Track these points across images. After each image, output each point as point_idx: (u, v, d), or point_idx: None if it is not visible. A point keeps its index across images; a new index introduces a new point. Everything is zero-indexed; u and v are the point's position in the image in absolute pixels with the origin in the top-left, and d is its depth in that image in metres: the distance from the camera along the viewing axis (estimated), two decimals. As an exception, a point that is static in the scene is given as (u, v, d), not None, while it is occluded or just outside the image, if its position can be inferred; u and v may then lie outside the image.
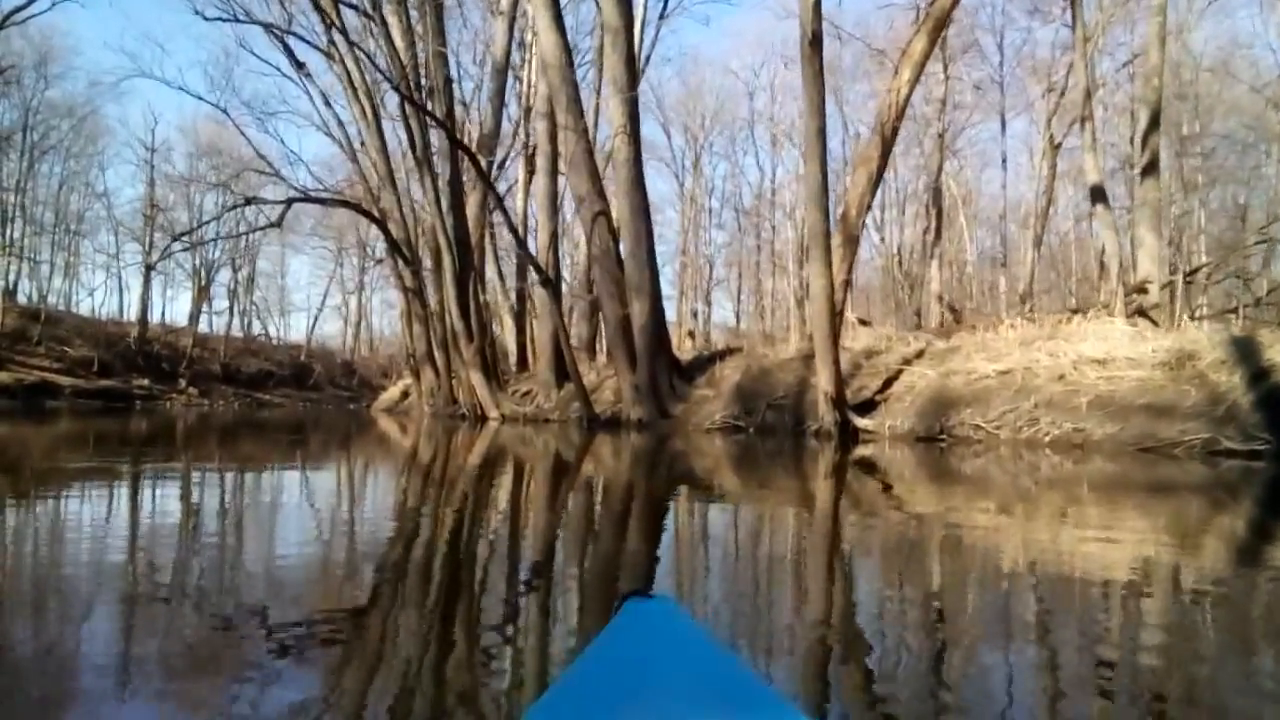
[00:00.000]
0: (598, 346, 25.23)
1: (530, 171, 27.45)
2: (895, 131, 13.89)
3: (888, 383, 11.76)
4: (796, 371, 13.40)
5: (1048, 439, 9.55)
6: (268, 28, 24.31)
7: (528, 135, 27.84)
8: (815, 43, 9.88)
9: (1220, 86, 31.08)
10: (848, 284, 14.38)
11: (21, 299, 38.47)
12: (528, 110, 28.29)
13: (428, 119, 17.75)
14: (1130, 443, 8.84)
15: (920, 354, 12.04)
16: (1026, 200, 34.71)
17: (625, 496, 5.64)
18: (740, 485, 6.37)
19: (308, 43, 24.60)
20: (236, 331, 48.77)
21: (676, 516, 4.66)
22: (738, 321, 46.41)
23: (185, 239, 24.99)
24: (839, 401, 10.94)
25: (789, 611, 2.42)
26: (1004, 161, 29.94)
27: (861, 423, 11.08)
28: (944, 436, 10.39)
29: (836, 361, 10.91)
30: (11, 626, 2.06)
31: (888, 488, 6.18)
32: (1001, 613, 2.45)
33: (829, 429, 10.97)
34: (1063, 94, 28.12)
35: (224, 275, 47.60)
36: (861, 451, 9.77)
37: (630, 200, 14.65)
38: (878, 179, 14.11)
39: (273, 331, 54.96)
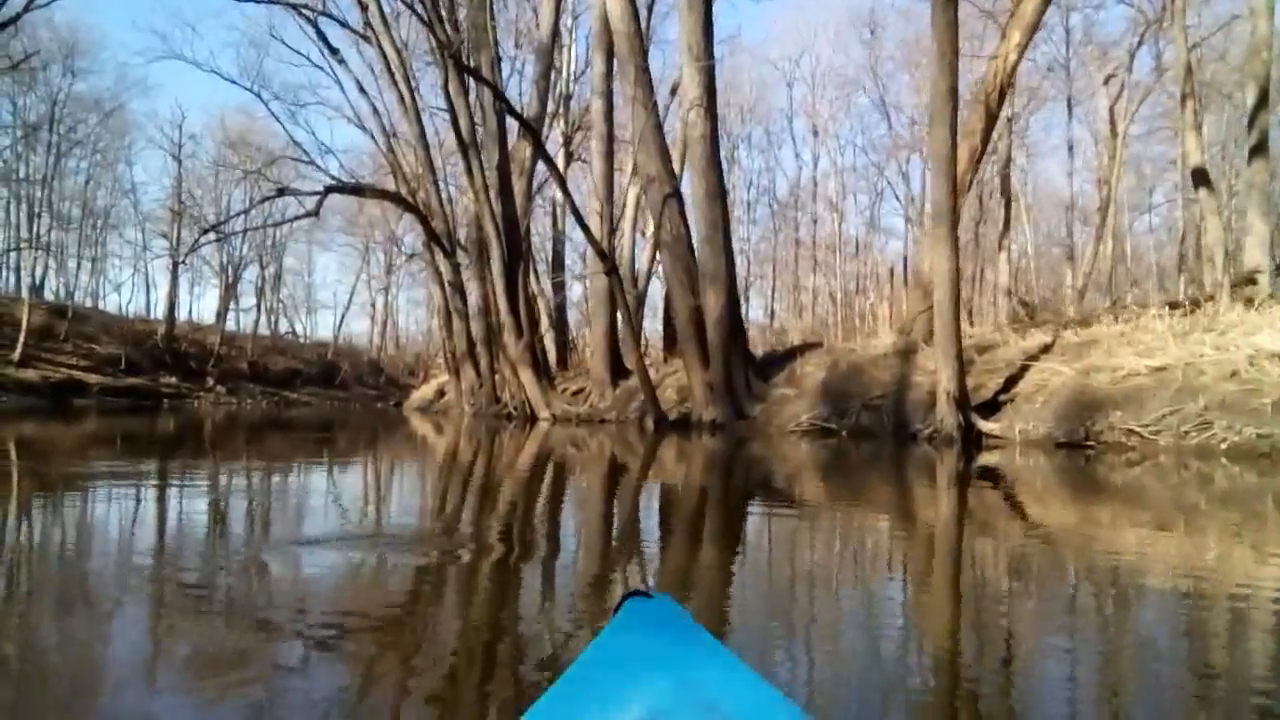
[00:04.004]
0: (643, 342, 24.02)
1: (569, 160, 26.33)
2: (1002, 100, 12.62)
3: (1011, 381, 10.42)
4: (894, 368, 12.09)
5: (1224, 446, 8.19)
6: (300, 9, 23.31)
7: (566, 124, 26.73)
8: (952, -13, 8.58)
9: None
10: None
11: (48, 295, 37.86)
12: (566, 99, 27.16)
13: (477, 86, 16.47)
14: (1335, 451, 7.48)
15: (1047, 348, 10.68)
16: (1082, 191, 33.18)
17: (746, 532, 4.41)
18: (869, 506, 5.27)
19: (342, 24, 23.62)
20: (263, 330, 47.99)
21: (799, 555, 3.45)
22: (771, 319, 45.04)
23: (220, 230, 23.98)
24: (962, 402, 9.63)
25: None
26: (1070, 149, 28.47)
27: (986, 426, 9.75)
28: (1090, 443, 9.04)
29: (960, 356, 9.63)
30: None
31: (1015, 504, 5.15)
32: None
33: (950, 433, 9.64)
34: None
35: (250, 273, 46.82)
36: (987, 459, 8.53)
37: (706, 181, 13.36)
38: (981, 154, 12.83)
39: (299, 330, 54.17)
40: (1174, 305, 14.06)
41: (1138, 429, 8.79)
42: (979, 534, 4.08)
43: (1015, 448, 9.40)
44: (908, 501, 5.46)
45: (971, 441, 9.73)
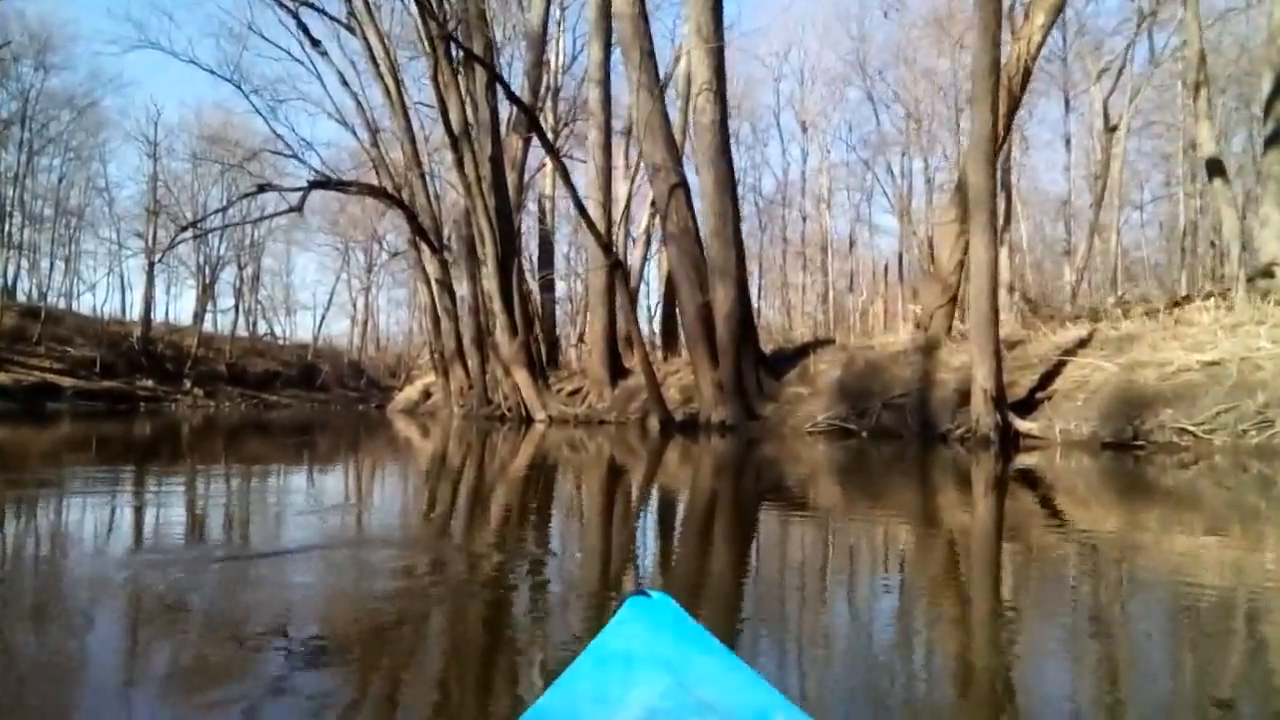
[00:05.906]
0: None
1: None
2: (1025, 83, 12.07)
3: (1047, 377, 9.87)
4: (915, 365, 11.53)
5: (1289, 446, 7.67)
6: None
7: (554, 118, 26.03)
8: (996, -47, 8.04)
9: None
10: (962, 265, 12.60)
11: (21, 297, 36.68)
12: (555, 91, 26.44)
13: (467, 76, 15.74)
14: None
15: (1084, 342, 10.14)
16: (1075, 186, 32.88)
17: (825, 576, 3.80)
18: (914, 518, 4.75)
19: (324, 13, 22.72)
20: (242, 331, 46.82)
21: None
22: (757, 317, 44.48)
23: (198, 227, 23.08)
24: (1000, 401, 9.05)
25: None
26: (1068, 143, 28.08)
27: (1024, 425, 9.19)
28: (1139, 443, 8.49)
29: (998, 352, 9.06)
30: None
31: (1071, 511, 4.59)
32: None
33: (986, 433, 9.06)
34: (1121, 70, 26.36)
35: (228, 273, 45.67)
36: (1027, 460, 7.99)
37: (715, 170, 12.74)
38: (1003, 141, 12.27)
39: (279, 331, 52.91)
40: (1216, 297, 13.54)
41: (1190, 428, 8.26)
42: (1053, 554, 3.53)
43: (1056, 448, 8.85)
44: (969, 514, 4.92)
45: (1009, 442, 9.18)
